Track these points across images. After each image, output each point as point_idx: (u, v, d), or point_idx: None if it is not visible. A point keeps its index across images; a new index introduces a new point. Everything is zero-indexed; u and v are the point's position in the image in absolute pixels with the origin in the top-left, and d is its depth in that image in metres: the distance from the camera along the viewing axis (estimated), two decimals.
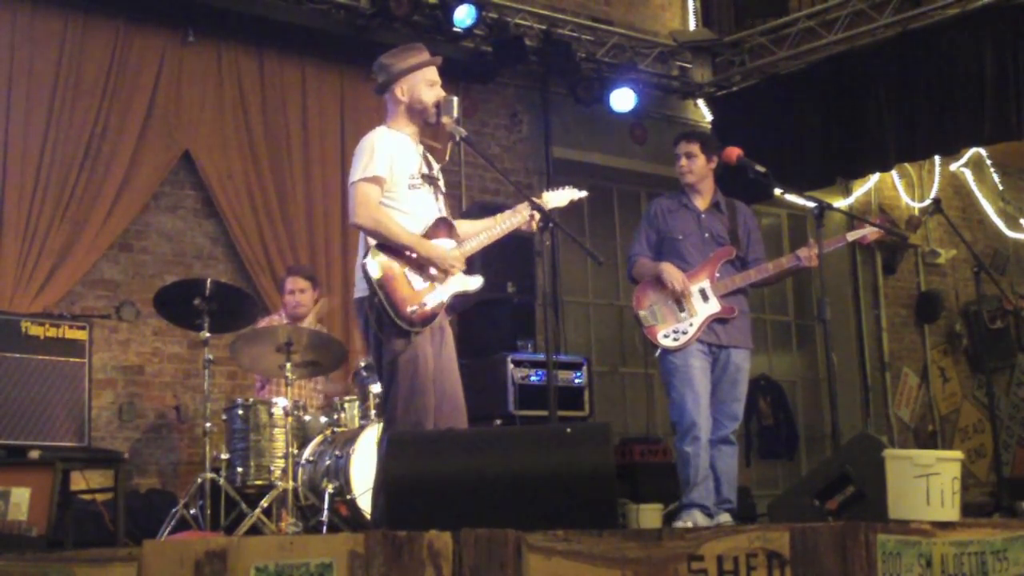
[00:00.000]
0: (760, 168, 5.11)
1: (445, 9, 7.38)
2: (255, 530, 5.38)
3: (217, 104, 7.06)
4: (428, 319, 4.18)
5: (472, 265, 4.45)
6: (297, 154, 7.28)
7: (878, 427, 9.71)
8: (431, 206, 4.35)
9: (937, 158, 10.26)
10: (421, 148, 4.42)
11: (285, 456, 5.62)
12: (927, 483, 3.65)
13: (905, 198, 10.47)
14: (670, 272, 5.30)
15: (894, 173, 10.11)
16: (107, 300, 6.66)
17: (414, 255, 4.18)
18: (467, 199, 8.01)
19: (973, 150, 10.50)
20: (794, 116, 8.56)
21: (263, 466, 5.79)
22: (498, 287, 7.00)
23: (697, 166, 5.45)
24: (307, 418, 5.98)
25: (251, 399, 5.97)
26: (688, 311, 5.30)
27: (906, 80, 7.93)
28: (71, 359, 5.05)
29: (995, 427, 6.62)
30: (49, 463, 4.66)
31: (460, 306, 4.42)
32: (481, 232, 4.45)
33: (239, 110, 7.14)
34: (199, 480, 5.51)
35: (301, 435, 5.85)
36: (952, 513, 3.69)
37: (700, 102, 9.22)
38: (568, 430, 3.65)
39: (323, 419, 6.01)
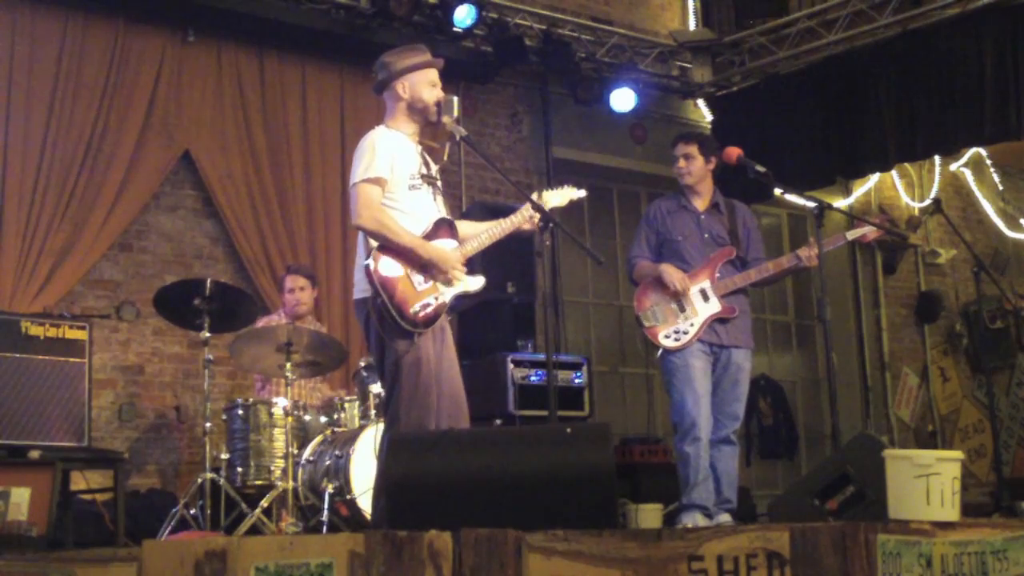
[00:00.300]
0: (760, 168, 5.12)
1: (445, 9, 7.38)
2: (255, 530, 5.39)
3: (217, 104, 7.06)
4: (430, 320, 4.19)
5: (473, 265, 4.45)
6: (297, 154, 7.28)
7: (878, 427, 9.71)
8: (431, 206, 4.35)
9: (937, 158, 10.26)
10: (419, 148, 4.42)
11: (285, 456, 5.62)
12: (927, 483, 3.65)
13: (905, 198, 10.47)
14: (670, 273, 5.30)
15: (894, 173, 10.12)
16: (107, 300, 6.66)
17: (416, 257, 4.18)
18: (467, 199, 8.01)
19: (973, 150, 10.50)
20: (794, 116, 8.56)
21: (263, 466, 5.79)
22: (498, 287, 7.00)
23: (696, 167, 5.46)
24: (307, 418, 5.98)
25: (251, 399, 5.97)
26: (689, 311, 5.31)
27: (906, 80, 7.93)
28: (71, 359, 5.05)
29: (995, 427, 6.62)
30: (49, 463, 4.66)
31: (461, 306, 4.42)
32: (482, 233, 4.45)
33: (239, 110, 7.14)
34: (199, 480, 5.51)
35: (301, 435, 5.85)
36: (952, 513, 3.68)
37: (700, 102, 9.22)
38: (568, 430, 3.65)
39: (323, 419, 6.01)
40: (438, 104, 4.37)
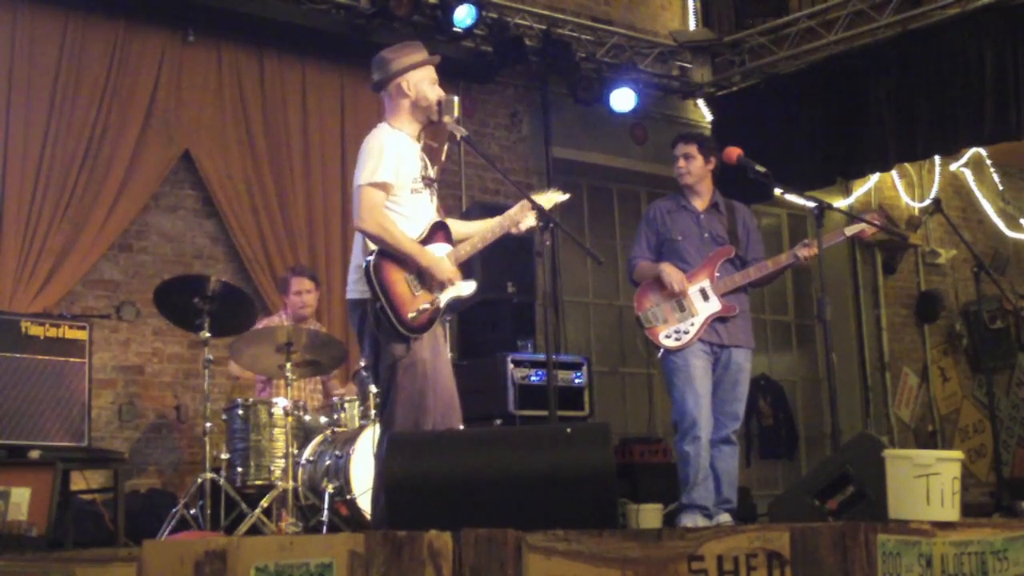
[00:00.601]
0: (760, 168, 5.12)
1: (445, 9, 7.38)
2: (255, 530, 5.38)
3: (217, 104, 7.06)
4: (426, 325, 4.20)
5: (472, 266, 4.46)
6: (297, 154, 7.28)
7: (878, 427, 9.71)
8: (428, 209, 4.36)
9: (937, 158, 10.25)
10: (420, 148, 4.41)
11: (285, 456, 5.62)
12: (927, 483, 3.65)
13: (905, 198, 10.47)
14: (669, 273, 5.31)
15: (894, 173, 10.12)
16: (107, 300, 6.66)
17: (414, 263, 4.20)
18: (467, 199, 8.01)
19: (973, 150, 10.50)
20: (794, 116, 8.56)
21: (263, 466, 5.79)
22: (498, 287, 7.00)
23: (695, 167, 5.47)
24: (307, 418, 5.98)
25: (251, 399, 5.97)
26: (689, 311, 5.31)
27: (906, 80, 7.94)
28: (71, 359, 5.05)
29: (995, 427, 6.64)
30: (49, 463, 4.65)
31: (456, 309, 4.44)
32: (474, 235, 4.46)
33: (239, 110, 7.14)
34: (199, 480, 5.51)
35: (301, 435, 5.85)
36: (952, 513, 3.68)
37: (700, 102, 9.22)
38: (568, 430, 3.65)
39: (323, 419, 6.01)
40: (439, 102, 4.37)
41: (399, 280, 4.17)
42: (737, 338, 5.36)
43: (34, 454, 4.71)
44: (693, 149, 5.48)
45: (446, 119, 4.38)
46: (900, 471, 3.72)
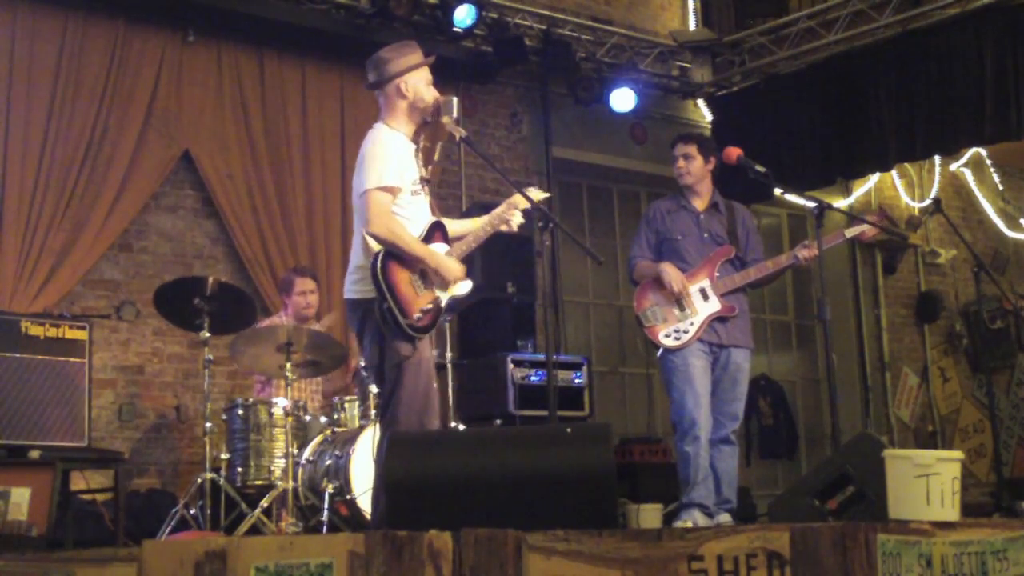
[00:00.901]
0: (760, 168, 5.12)
1: (445, 9, 7.38)
2: (255, 530, 5.38)
3: (217, 104, 7.06)
4: (430, 325, 4.26)
5: (472, 265, 4.49)
6: (297, 154, 7.28)
7: (878, 427, 9.71)
8: (426, 210, 4.41)
9: (937, 158, 10.25)
10: (414, 148, 4.43)
11: (285, 456, 5.62)
12: (927, 483, 3.65)
13: (905, 198, 10.47)
14: (669, 272, 5.31)
15: (894, 173, 10.11)
16: (107, 300, 6.66)
17: (422, 265, 4.24)
18: (467, 199, 8.01)
19: (973, 150, 10.50)
20: (794, 116, 8.56)
21: (263, 466, 5.79)
22: (498, 287, 7.00)
23: (695, 167, 5.47)
24: (307, 418, 5.98)
25: (251, 399, 5.97)
26: (689, 310, 5.31)
27: (906, 80, 7.93)
28: (71, 359, 5.05)
29: (995, 427, 6.64)
30: (49, 463, 4.66)
31: (455, 310, 4.50)
32: (468, 235, 4.51)
33: (239, 110, 7.14)
34: (199, 480, 5.51)
35: (301, 435, 5.85)
36: (952, 513, 3.68)
37: (700, 102, 9.22)
38: (568, 430, 3.66)
39: (323, 419, 6.01)
40: (437, 103, 4.39)
41: (404, 280, 4.20)
42: (736, 338, 5.36)
43: (34, 454, 4.71)
44: (693, 149, 5.48)
45: (445, 119, 4.43)
46: (900, 471, 3.72)
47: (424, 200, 4.39)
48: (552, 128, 8.59)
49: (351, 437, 5.62)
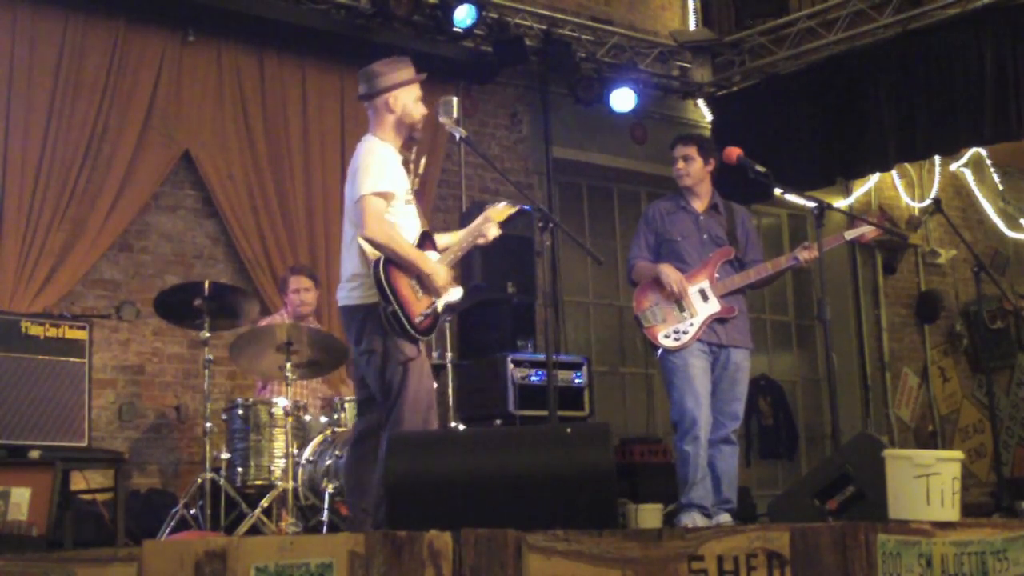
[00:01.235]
0: (760, 168, 5.12)
1: (445, 9, 7.38)
2: (255, 530, 5.38)
3: (217, 104, 7.06)
4: (430, 329, 4.38)
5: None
6: (297, 154, 7.28)
7: (878, 427, 9.71)
8: (417, 220, 4.52)
9: (937, 158, 10.25)
10: (402, 160, 4.56)
11: (285, 456, 5.62)
12: (927, 483, 3.65)
13: (905, 198, 10.47)
14: (667, 274, 5.31)
15: (894, 173, 10.11)
16: (107, 300, 6.65)
17: (416, 270, 4.35)
18: (467, 199, 8.01)
19: (973, 150, 10.50)
20: (794, 116, 8.56)
21: (263, 466, 5.79)
22: (498, 287, 7.00)
23: (694, 169, 5.47)
24: (307, 418, 5.98)
25: (251, 399, 5.97)
26: (688, 311, 5.31)
27: (906, 80, 7.93)
28: (71, 359, 5.05)
29: (995, 427, 6.63)
30: (49, 463, 4.66)
31: (447, 314, 4.59)
32: (451, 247, 4.62)
33: (239, 110, 7.14)
34: (199, 480, 5.51)
35: (301, 435, 5.85)
36: (952, 513, 3.68)
37: (700, 102, 9.22)
38: (568, 430, 3.66)
39: (323, 419, 6.01)
40: (422, 121, 4.53)
41: (405, 285, 4.32)
42: (736, 338, 5.36)
43: (34, 454, 4.71)
44: (692, 151, 5.48)
45: (445, 120, 4.55)
46: (900, 471, 3.72)
47: (415, 210, 4.51)
48: (552, 128, 8.59)
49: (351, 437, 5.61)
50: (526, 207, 4.82)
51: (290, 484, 5.47)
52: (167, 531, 5.36)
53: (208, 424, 5.59)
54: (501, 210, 4.66)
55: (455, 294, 4.48)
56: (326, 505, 5.44)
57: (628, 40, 8.64)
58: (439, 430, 4.16)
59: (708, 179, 5.53)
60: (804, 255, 5.32)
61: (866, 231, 5.48)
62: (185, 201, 7.03)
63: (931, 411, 10.26)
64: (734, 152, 5.23)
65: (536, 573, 2.77)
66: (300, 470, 5.70)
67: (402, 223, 4.40)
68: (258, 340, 5.73)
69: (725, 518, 5.21)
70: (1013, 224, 11.22)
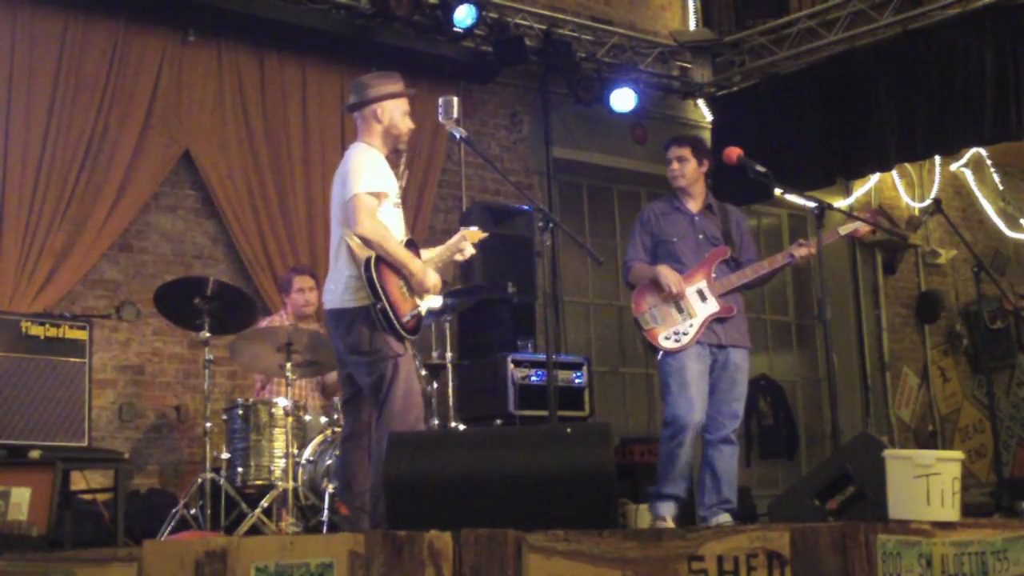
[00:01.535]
0: (760, 168, 5.12)
1: (445, 9, 7.38)
2: (255, 530, 5.38)
3: (217, 104, 7.06)
4: (416, 329, 4.48)
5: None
6: (297, 154, 7.28)
7: (878, 427, 9.71)
8: (402, 226, 4.62)
9: (937, 158, 10.25)
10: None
11: (285, 456, 5.62)
12: (927, 483, 3.65)
13: (905, 198, 10.47)
14: (666, 274, 5.31)
15: (894, 173, 10.11)
16: (107, 300, 6.65)
17: (404, 269, 4.44)
18: (467, 199, 8.01)
19: (973, 150, 10.50)
20: (794, 116, 8.56)
21: (263, 466, 5.79)
22: (498, 287, 7.00)
23: (689, 170, 5.48)
24: (307, 418, 5.98)
25: (251, 399, 5.97)
26: (687, 312, 5.31)
27: (906, 80, 7.93)
28: (71, 359, 5.05)
29: (995, 427, 6.63)
30: (49, 463, 4.66)
31: (429, 318, 4.79)
32: (433, 258, 4.70)
33: (239, 110, 7.14)
34: (199, 480, 5.51)
35: (301, 435, 5.85)
36: (952, 513, 3.69)
37: (700, 102, 9.22)
38: (568, 430, 3.66)
39: (323, 419, 6.01)
40: (408, 134, 4.64)
41: (394, 284, 4.41)
42: (735, 338, 5.37)
43: (34, 454, 4.71)
44: (687, 152, 5.49)
45: (445, 120, 4.62)
46: (900, 471, 3.72)
47: (401, 216, 4.61)
48: (552, 128, 8.58)
49: None
50: (526, 207, 4.86)
51: (290, 484, 5.47)
52: (167, 531, 5.36)
53: (208, 424, 5.59)
54: (475, 232, 4.79)
55: (436, 301, 4.60)
56: (326, 505, 5.44)
57: (628, 40, 8.64)
58: (439, 430, 4.17)
59: (702, 180, 5.55)
60: (799, 252, 5.33)
61: (859, 226, 5.49)
62: (185, 201, 7.03)
63: (931, 411, 10.26)
64: (734, 152, 5.23)
65: (536, 573, 2.77)
66: (300, 470, 5.70)
67: (390, 225, 4.48)
68: (258, 340, 5.73)
69: (725, 518, 5.22)
70: (1013, 224, 11.22)
